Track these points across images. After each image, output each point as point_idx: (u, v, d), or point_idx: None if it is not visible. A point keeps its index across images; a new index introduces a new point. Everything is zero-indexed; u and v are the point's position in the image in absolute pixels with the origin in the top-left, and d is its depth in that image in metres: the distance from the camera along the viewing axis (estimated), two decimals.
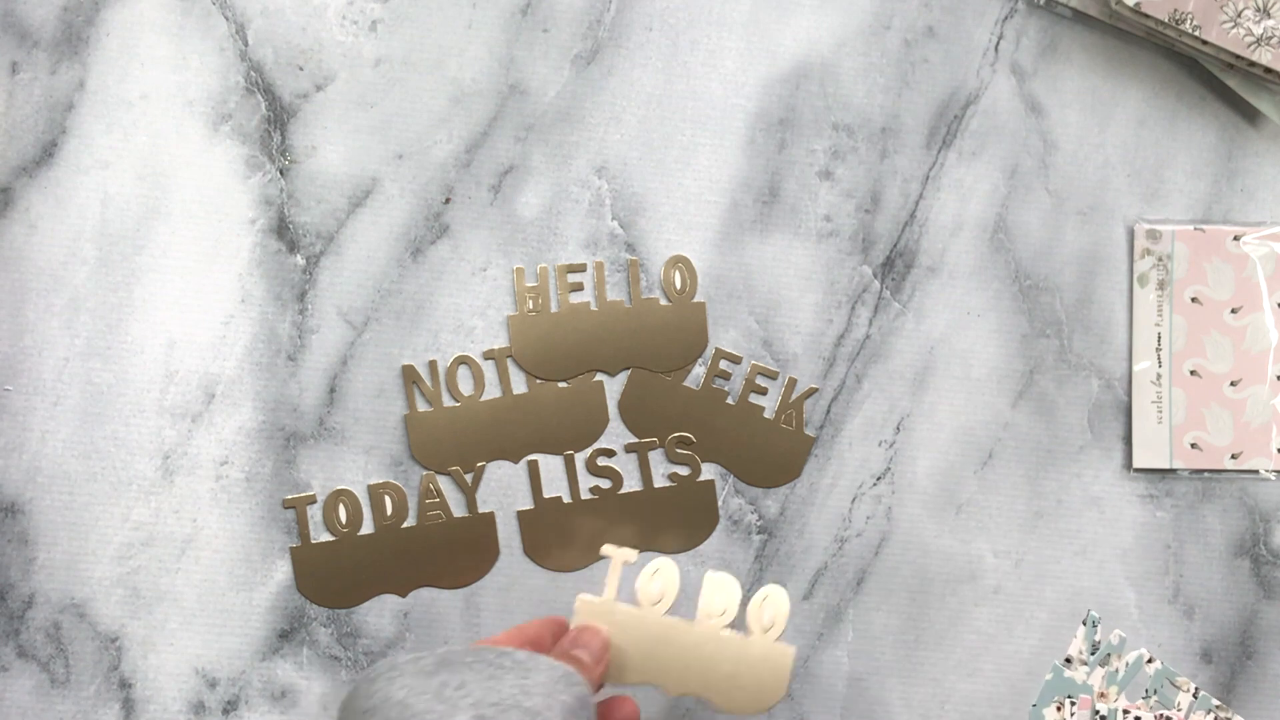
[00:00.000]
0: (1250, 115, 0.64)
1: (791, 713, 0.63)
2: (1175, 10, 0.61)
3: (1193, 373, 0.63)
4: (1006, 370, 0.64)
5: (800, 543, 0.63)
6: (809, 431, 0.63)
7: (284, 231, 0.62)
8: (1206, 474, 0.63)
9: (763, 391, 0.63)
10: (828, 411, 0.63)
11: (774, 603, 0.53)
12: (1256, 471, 0.63)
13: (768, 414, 0.63)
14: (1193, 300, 0.63)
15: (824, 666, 0.63)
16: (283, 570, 0.62)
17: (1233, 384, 0.63)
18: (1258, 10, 0.61)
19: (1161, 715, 0.57)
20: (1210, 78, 0.64)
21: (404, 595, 0.62)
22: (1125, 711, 0.57)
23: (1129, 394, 0.64)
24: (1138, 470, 0.63)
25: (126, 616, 0.61)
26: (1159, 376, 0.63)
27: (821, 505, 0.63)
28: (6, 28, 0.62)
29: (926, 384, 0.64)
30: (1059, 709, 0.58)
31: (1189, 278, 0.63)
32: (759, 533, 0.63)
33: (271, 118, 0.63)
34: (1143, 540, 0.63)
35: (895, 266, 0.64)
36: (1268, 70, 0.61)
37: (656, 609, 0.53)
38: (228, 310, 0.62)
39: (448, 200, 0.63)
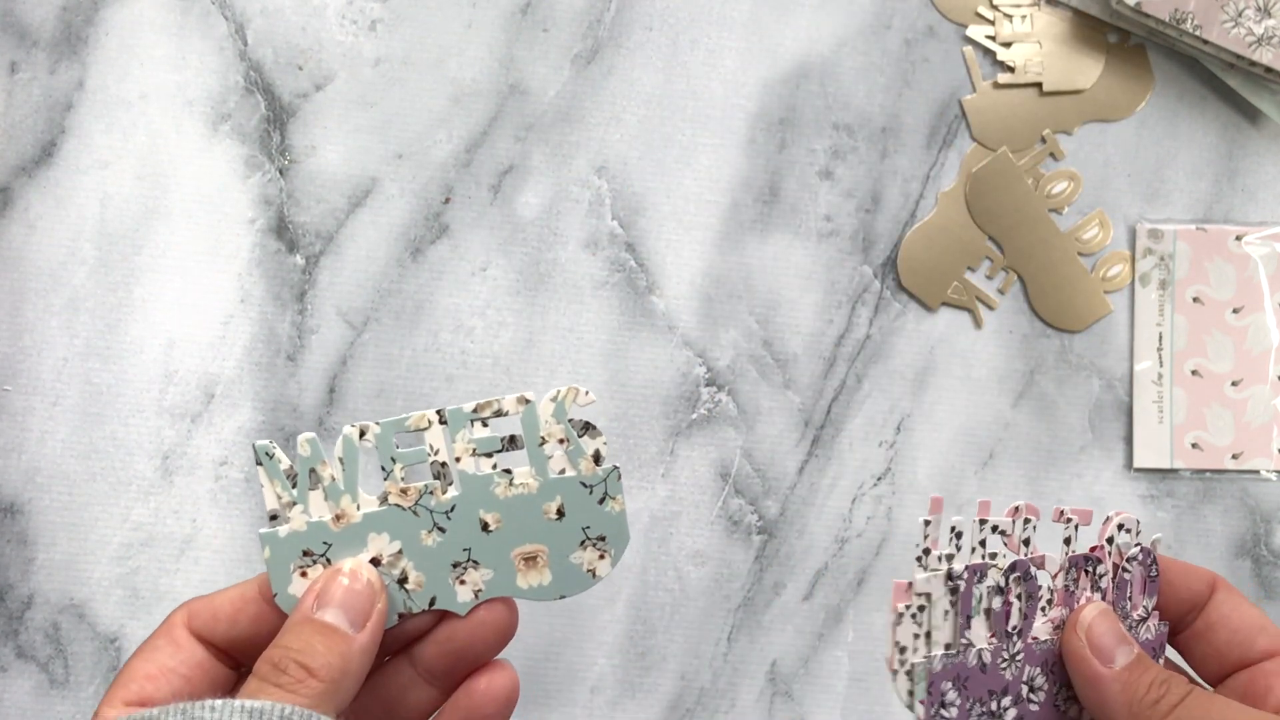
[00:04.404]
0: (1251, 115, 0.64)
1: (791, 713, 0.63)
2: (1176, 10, 0.61)
3: (1194, 373, 0.63)
4: (1007, 370, 0.64)
5: (800, 543, 0.63)
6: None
7: (283, 231, 0.62)
8: (1208, 474, 0.63)
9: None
10: (828, 412, 0.63)
11: (1123, 273, 0.62)
12: (1257, 472, 0.63)
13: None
14: (1194, 300, 0.63)
15: (824, 666, 0.63)
16: None
17: (1234, 384, 0.63)
18: (1259, 10, 0.61)
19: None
20: (1211, 77, 0.64)
21: None
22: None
23: (1130, 394, 0.63)
24: (1138, 470, 0.63)
25: (126, 617, 0.61)
26: (1160, 376, 0.63)
27: (822, 506, 0.63)
28: (5, 27, 0.62)
29: (927, 384, 0.63)
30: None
31: (1190, 277, 0.63)
32: (759, 533, 0.63)
33: (271, 117, 0.63)
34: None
35: (896, 266, 0.64)
36: (1269, 70, 0.61)
37: (1054, 201, 0.61)
38: (227, 310, 0.62)
39: (447, 200, 0.63)
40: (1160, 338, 0.63)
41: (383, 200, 0.63)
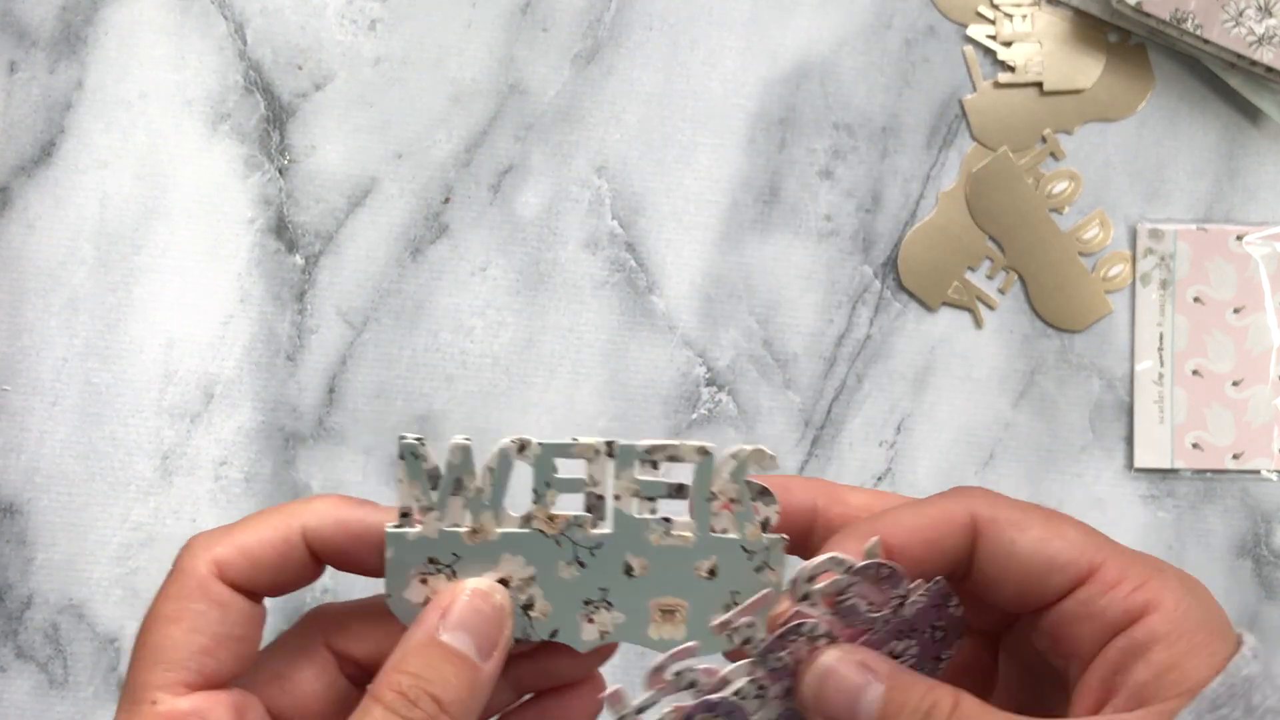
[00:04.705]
0: (1252, 114, 0.64)
1: None
2: (1177, 9, 0.60)
3: (1195, 372, 0.63)
4: (1008, 370, 0.64)
5: None
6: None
7: (283, 231, 0.62)
8: (1208, 474, 0.63)
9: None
10: (828, 412, 0.63)
11: (1123, 274, 0.61)
12: (1258, 472, 0.63)
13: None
14: (1195, 300, 0.63)
15: None
16: None
17: (1235, 384, 0.63)
18: (1259, 9, 0.61)
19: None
20: (1212, 77, 0.63)
21: None
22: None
23: (1130, 394, 0.63)
24: (1139, 470, 0.63)
25: (125, 617, 0.61)
26: (1161, 376, 0.63)
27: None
28: (4, 27, 0.62)
29: (927, 384, 0.63)
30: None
31: (1191, 277, 0.63)
32: None
33: (270, 117, 0.62)
34: (1145, 540, 0.63)
35: (896, 266, 0.64)
36: (1269, 69, 0.61)
37: (1054, 201, 0.58)
38: (226, 310, 0.62)
39: (447, 200, 0.63)
40: (1161, 338, 0.63)
41: (382, 200, 0.63)
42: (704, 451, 0.36)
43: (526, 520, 0.36)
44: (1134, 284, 0.63)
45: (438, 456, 0.36)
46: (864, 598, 0.34)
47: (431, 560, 0.36)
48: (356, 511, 0.36)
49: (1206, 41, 0.61)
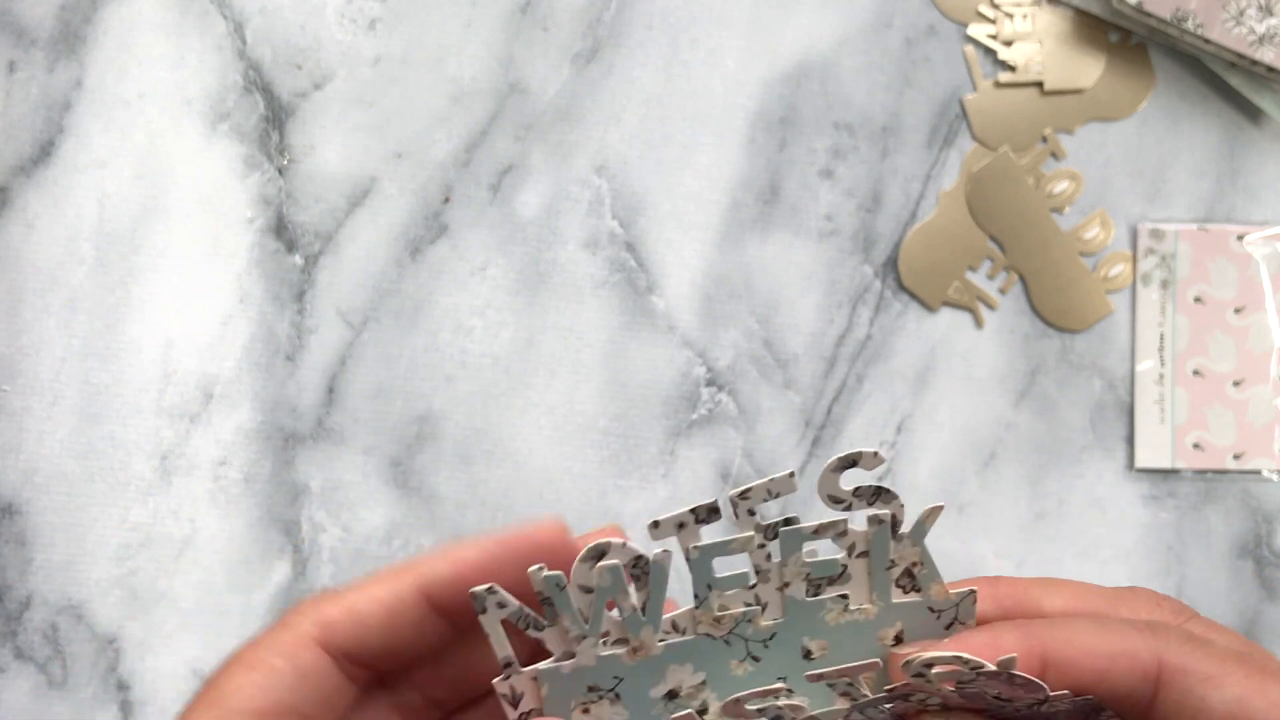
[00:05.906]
0: (1253, 114, 0.64)
1: None
2: (1178, 9, 0.60)
3: (1196, 373, 0.63)
4: (1008, 370, 0.63)
5: None
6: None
7: (282, 231, 0.62)
8: (1209, 474, 0.63)
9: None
10: (828, 412, 0.63)
11: (1124, 273, 0.59)
12: (1259, 472, 0.63)
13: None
14: (1196, 300, 0.63)
15: None
16: (281, 571, 0.61)
17: (1236, 384, 0.63)
18: (1260, 9, 0.60)
19: None
20: (1212, 76, 0.63)
21: None
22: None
23: (1131, 394, 0.63)
24: (1140, 470, 0.63)
25: (124, 618, 0.61)
26: (1162, 376, 0.63)
27: (822, 506, 0.63)
28: (3, 26, 0.62)
29: (928, 384, 0.63)
30: None
31: (1192, 277, 0.63)
32: None
33: (270, 116, 0.62)
34: (1145, 541, 0.63)
35: (896, 266, 0.63)
36: (1270, 69, 0.61)
37: (1055, 201, 0.58)
38: (226, 310, 0.62)
39: (447, 199, 0.63)
40: (1162, 338, 0.63)
41: (382, 200, 0.63)
42: (878, 520, 0.33)
43: (691, 626, 0.33)
44: (1135, 284, 0.63)
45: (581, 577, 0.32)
46: (990, 690, 0.31)
47: (592, 688, 0.33)
48: (469, 550, 0.32)
49: (1207, 41, 0.61)
